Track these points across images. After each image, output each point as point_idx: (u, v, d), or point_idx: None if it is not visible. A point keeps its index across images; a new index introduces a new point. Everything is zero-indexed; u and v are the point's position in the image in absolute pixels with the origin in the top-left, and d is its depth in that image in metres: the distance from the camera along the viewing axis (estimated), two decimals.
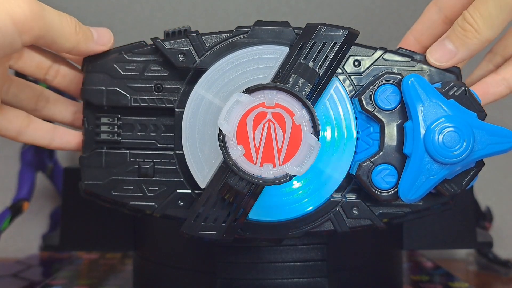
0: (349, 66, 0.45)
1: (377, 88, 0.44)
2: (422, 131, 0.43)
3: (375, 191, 0.44)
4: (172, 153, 0.46)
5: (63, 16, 0.42)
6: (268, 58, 0.45)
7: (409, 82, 0.43)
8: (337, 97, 0.45)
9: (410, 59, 0.45)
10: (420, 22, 0.50)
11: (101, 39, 0.46)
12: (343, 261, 0.51)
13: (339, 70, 0.45)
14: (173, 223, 0.46)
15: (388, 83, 0.44)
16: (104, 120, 0.47)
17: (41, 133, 0.48)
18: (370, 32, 0.81)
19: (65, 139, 0.49)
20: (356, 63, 0.45)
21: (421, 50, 0.49)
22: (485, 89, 0.47)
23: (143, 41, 0.47)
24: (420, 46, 0.50)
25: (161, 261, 0.53)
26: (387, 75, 0.44)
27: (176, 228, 0.45)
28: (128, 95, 0.46)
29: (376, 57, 0.45)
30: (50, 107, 0.50)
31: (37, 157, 0.73)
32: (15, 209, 0.68)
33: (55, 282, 0.62)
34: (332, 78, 0.44)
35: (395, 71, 0.45)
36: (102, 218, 0.58)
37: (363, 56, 0.45)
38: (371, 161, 0.44)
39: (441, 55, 0.45)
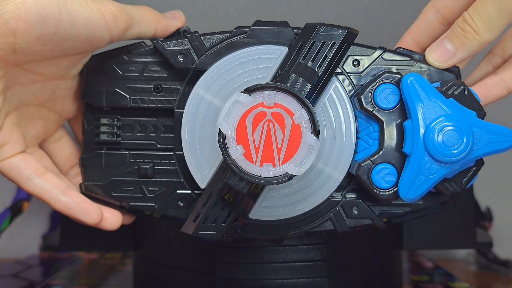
0: (348, 66, 0.45)
1: (377, 87, 0.44)
2: (422, 130, 0.43)
3: (375, 190, 0.44)
4: (172, 153, 0.46)
5: (138, 6, 0.45)
6: (267, 58, 0.45)
7: (408, 81, 0.43)
8: (337, 96, 0.45)
9: (409, 59, 0.45)
10: (418, 23, 0.50)
11: (173, 15, 0.47)
12: (343, 261, 0.51)
13: (338, 70, 0.45)
14: (173, 223, 0.46)
15: (387, 82, 0.44)
16: (103, 121, 0.47)
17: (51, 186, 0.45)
18: (370, 32, 0.81)
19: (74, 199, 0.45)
20: (355, 62, 0.45)
21: (419, 51, 0.49)
22: (484, 91, 0.47)
23: (143, 41, 0.47)
24: (418, 47, 0.50)
25: (161, 261, 0.52)
26: (386, 74, 0.44)
27: (176, 228, 0.45)
28: (128, 96, 0.46)
29: (375, 57, 0.45)
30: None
31: None
32: (15, 209, 0.68)
33: (55, 282, 0.62)
34: (332, 77, 0.44)
35: (394, 70, 0.45)
36: None
37: (362, 55, 0.45)
38: (370, 161, 0.44)
39: (440, 55, 0.45)
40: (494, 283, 0.67)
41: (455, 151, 0.43)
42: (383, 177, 0.44)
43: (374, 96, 0.44)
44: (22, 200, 0.70)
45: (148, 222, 0.54)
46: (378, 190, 0.44)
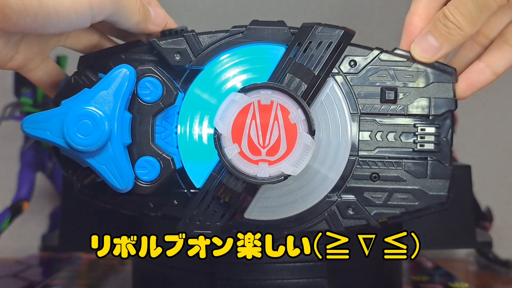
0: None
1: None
2: None
3: None
4: None
5: None
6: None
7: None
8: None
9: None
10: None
11: (156, 20, 0.46)
12: (343, 261, 0.50)
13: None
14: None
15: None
16: None
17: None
18: (370, 32, 0.81)
19: None
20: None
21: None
22: (471, 78, 0.47)
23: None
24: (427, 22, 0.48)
25: (161, 261, 0.52)
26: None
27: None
28: None
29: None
30: None
31: (37, 157, 0.73)
32: (15, 209, 0.68)
33: (55, 282, 0.62)
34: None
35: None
36: (102, 218, 0.58)
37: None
38: None
39: (425, 50, 0.45)
40: (494, 283, 0.67)
41: None
42: None
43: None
44: (22, 200, 0.70)
45: (148, 221, 0.54)
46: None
